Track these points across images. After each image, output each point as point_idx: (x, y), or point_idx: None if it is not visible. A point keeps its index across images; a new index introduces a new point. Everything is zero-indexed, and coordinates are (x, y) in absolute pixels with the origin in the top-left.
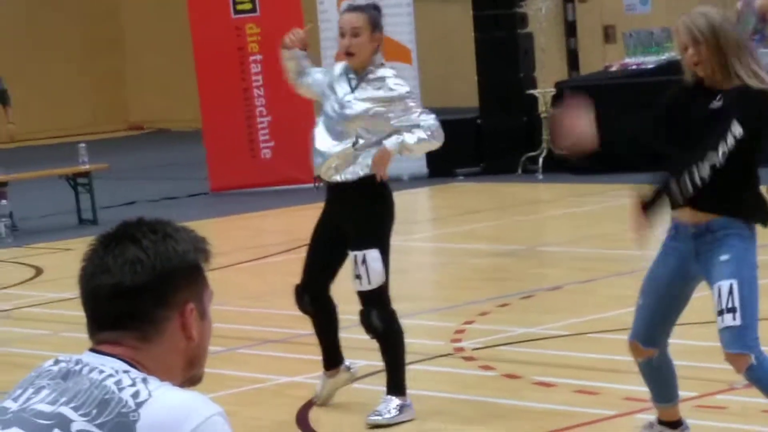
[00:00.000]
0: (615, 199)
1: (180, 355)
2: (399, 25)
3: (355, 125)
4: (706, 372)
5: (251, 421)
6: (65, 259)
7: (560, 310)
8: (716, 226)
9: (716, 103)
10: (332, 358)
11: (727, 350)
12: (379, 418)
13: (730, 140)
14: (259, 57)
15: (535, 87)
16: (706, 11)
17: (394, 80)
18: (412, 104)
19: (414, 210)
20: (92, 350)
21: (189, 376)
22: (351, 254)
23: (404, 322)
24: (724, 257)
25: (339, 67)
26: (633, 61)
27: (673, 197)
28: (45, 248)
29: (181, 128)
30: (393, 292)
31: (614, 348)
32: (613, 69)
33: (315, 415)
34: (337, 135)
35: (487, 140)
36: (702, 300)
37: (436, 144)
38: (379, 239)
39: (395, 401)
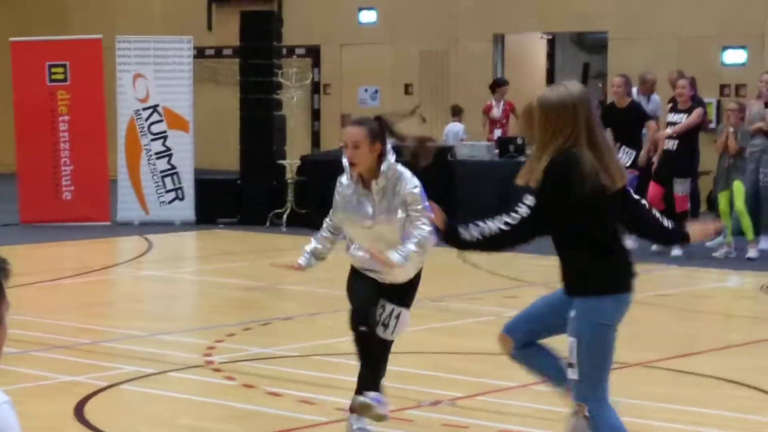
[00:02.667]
0: (339, 251)
1: None
2: (180, 100)
3: (382, 231)
4: (400, 391)
5: (36, 411)
6: None
7: (292, 336)
8: None
9: None
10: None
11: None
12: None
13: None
14: (67, 118)
15: (284, 158)
16: None
17: (405, 182)
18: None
19: (183, 249)
20: None
21: None
22: (385, 303)
23: (167, 339)
24: (572, 312)
25: (345, 179)
26: None
27: None
28: None
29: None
30: (161, 314)
31: (331, 368)
32: None
33: (89, 408)
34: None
35: (244, 197)
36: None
37: (423, 255)
38: (410, 303)
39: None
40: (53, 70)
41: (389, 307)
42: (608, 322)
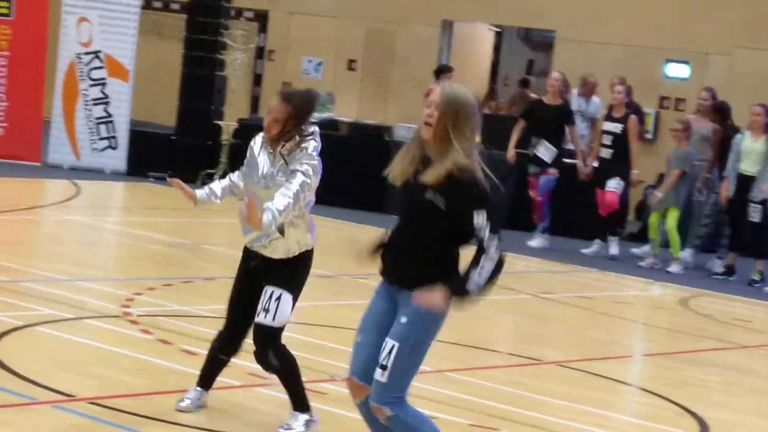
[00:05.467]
0: None
1: None
2: (123, 49)
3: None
4: (316, 364)
5: None
6: None
7: (211, 296)
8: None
9: None
10: (209, 381)
11: (371, 401)
12: (291, 430)
13: None
14: (7, 53)
15: (221, 119)
16: None
17: (302, 152)
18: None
19: (110, 198)
20: None
21: None
22: (265, 288)
23: (86, 285)
24: (403, 319)
25: (259, 138)
26: None
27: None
28: None
29: None
30: (82, 260)
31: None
32: None
33: (2, 346)
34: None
35: (177, 154)
36: (312, 308)
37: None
38: (294, 288)
39: (303, 416)
40: None
41: (269, 289)
42: (434, 334)
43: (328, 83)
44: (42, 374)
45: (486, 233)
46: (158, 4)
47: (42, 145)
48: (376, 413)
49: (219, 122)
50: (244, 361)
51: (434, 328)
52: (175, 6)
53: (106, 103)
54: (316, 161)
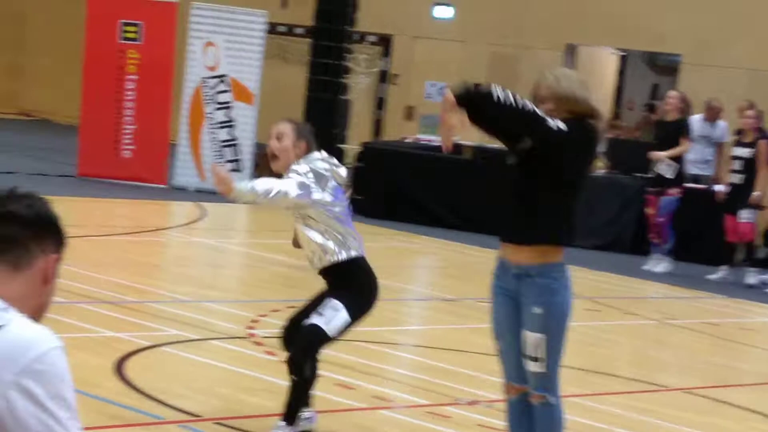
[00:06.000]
0: (388, 241)
1: (34, 297)
2: (248, 73)
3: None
4: (438, 387)
5: (78, 362)
6: None
7: None
8: (534, 271)
9: None
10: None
11: (531, 389)
12: None
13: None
14: (134, 77)
15: (344, 143)
16: None
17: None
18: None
19: (235, 220)
20: None
21: (35, 316)
22: (326, 297)
23: (212, 306)
24: (537, 310)
25: None
26: (424, 138)
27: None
28: None
29: (61, 121)
30: (208, 281)
31: (372, 356)
32: (408, 140)
33: (130, 366)
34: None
35: None
36: (434, 331)
37: (259, 199)
38: (349, 301)
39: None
40: (126, 28)
41: (326, 298)
42: (569, 312)
43: None
44: (168, 394)
45: None
46: (283, 29)
47: (168, 167)
48: (534, 399)
49: (342, 146)
50: (369, 383)
51: (567, 309)
52: (299, 30)
53: (231, 127)
54: (303, 178)
